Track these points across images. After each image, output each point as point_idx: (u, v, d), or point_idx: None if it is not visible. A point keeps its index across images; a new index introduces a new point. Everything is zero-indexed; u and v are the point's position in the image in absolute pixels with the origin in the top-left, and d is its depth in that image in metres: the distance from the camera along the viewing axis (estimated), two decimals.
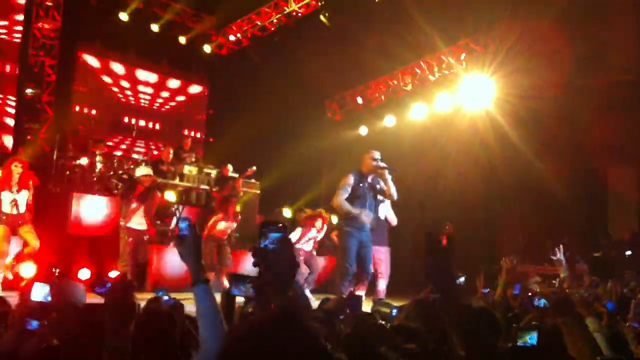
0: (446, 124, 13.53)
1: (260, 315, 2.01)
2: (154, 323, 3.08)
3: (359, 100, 15.41)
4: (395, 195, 7.36)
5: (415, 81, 14.32)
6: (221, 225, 9.56)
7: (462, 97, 13.25)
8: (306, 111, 15.12)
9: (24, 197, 8.27)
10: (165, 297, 4.54)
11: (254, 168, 12.06)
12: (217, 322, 2.21)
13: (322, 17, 13.62)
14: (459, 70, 13.38)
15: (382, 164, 7.27)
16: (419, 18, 11.92)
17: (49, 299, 4.50)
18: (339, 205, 7.18)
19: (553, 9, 10.81)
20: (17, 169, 8.14)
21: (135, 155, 12.29)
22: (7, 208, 8.11)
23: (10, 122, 12.80)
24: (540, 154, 12.15)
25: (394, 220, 9.18)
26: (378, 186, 7.41)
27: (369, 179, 7.36)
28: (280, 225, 2.18)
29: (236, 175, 12.13)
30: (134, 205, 8.75)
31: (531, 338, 2.73)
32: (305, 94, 14.74)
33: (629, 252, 10.98)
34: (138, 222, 8.81)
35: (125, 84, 15.00)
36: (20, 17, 12.77)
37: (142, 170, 8.97)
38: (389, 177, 7.28)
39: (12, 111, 12.76)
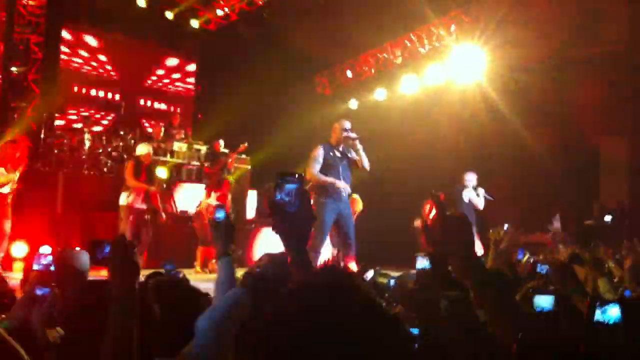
0: (437, 96, 13.50)
1: (305, 275, 1.97)
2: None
3: (349, 74, 15.31)
4: (367, 166, 7.29)
5: (405, 54, 14.22)
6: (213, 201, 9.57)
7: (453, 70, 13.20)
8: (296, 86, 14.99)
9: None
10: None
11: (246, 144, 12.01)
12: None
13: None
14: (449, 42, 13.30)
15: (353, 135, 7.16)
16: None
17: (52, 268, 4.49)
18: (313, 177, 7.06)
19: None
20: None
21: (122, 133, 12.12)
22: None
23: None
24: (531, 125, 12.16)
25: (479, 203, 9.53)
26: (350, 156, 7.30)
27: (340, 149, 7.25)
28: (297, 175, 2.10)
29: (227, 151, 12.07)
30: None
31: (546, 302, 2.72)
32: (294, 69, 14.62)
33: (608, 218, 11.06)
34: (139, 201, 8.75)
35: (104, 58, 14.77)
36: None
37: (142, 149, 8.88)
38: (360, 147, 7.20)
39: None
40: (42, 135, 11.55)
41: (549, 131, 12.44)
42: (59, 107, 12.81)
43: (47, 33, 12.98)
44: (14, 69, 12.58)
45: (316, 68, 15.78)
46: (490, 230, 5.16)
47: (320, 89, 16.07)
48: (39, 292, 2.78)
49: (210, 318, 2.02)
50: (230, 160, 11.78)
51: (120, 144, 11.52)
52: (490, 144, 12.70)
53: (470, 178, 10.02)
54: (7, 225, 8.25)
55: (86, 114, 12.83)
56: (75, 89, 14.17)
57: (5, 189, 8.19)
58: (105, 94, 14.63)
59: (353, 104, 15.27)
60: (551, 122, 12.57)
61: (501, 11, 11.75)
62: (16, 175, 8.28)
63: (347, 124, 7.25)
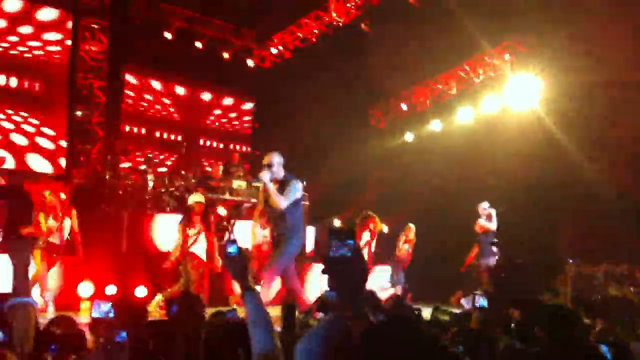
0: (492, 125, 13.38)
1: (369, 323, 2.03)
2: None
3: (404, 106, 15.35)
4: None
5: (460, 84, 14.20)
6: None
7: (508, 98, 13.10)
8: (350, 120, 15.11)
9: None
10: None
11: (304, 183, 12.10)
12: (265, 323, 2.48)
13: (362, 26, 13.65)
14: (505, 72, 13.22)
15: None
16: (461, 20, 11.83)
17: (111, 315, 4.59)
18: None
19: (603, 8, 10.60)
20: (51, 198, 8.20)
21: (183, 172, 12.39)
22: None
23: (47, 144, 13.05)
24: (590, 155, 11.92)
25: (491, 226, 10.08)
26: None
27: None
28: (349, 232, 2.17)
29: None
30: (192, 231, 8.74)
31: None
32: (348, 103, 14.75)
33: None
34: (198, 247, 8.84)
35: (167, 101, 15.19)
36: (52, 36, 12.95)
37: (194, 198, 9.00)
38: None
39: (51, 132, 12.95)
40: (106, 177, 11.91)
41: (608, 158, 12.15)
42: (122, 149, 13.21)
43: (109, 77, 13.50)
44: (78, 113, 13.10)
45: (370, 101, 15.87)
46: (567, 262, 5.06)
47: (375, 122, 16.15)
48: (119, 338, 2.84)
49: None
50: None
51: (182, 183, 11.76)
52: (548, 172, 12.47)
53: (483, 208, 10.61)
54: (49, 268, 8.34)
55: (150, 155, 13.15)
56: (137, 130, 14.56)
57: (55, 239, 8.24)
58: (168, 135, 15.02)
59: (408, 136, 15.27)
60: (611, 148, 12.28)
61: (558, 40, 11.62)
62: (69, 222, 8.36)
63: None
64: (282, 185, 6.72)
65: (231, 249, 2.69)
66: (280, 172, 6.78)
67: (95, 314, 4.52)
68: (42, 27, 12.82)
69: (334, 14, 14.25)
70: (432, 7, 12.56)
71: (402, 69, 13.96)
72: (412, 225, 11.48)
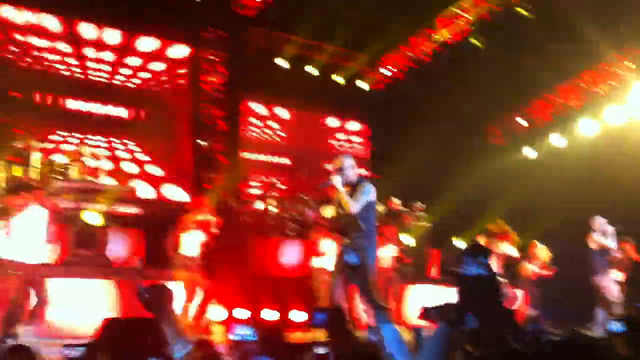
0: (619, 139, 12.83)
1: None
2: None
3: (523, 121, 14.99)
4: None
5: (580, 96, 13.73)
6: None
7: (634, 107, 12.56)
8: (467, 137, 14.91)
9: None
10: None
11: (423, 205, 12.08)
12: None
13: (474, 41, 13.50)
14: (628, 80, 12.69)
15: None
16: (578, 28, 11.48)
17: (251, 338, 4.71)
18: None
19: None
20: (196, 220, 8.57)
21: (304, 197, 12.61)
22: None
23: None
24: None
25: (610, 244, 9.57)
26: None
27: None
28: (485, 250, 2.14)
29: (403, 209, 12.15)
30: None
31: None
32: (465, 121, 14.57)
33: None
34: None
35: (282, 127, 15.53)
36: (157, 66, 13.59)
37: (328, 212, 9.06)
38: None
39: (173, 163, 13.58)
40: (230, 204, 12.29)
41: None
42: (244, 175, 13.62)
43: (230, 107, 14.01)
44: (201, 142, 13.65)
45: (487, 117, 15.61)
46: None
47: (493, 138, 15.85)
48: None
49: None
50: (406, 218, 11.83)
51: (303, 207, 11.97)
52: None
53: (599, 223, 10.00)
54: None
55: (270, 180, 13.50)
56: (257, 157, 14.94)
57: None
58: (286, 161, 15.34)
59: (528, 152, 14.89)
60: None
61: None
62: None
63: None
64: (354, 189, 6.24)
65: (350, 258, 2.65)
66: (352, 176, 6.28)
67: (235, 337, 4.65)
68: (166, 61, 13.55)
69: (444, 31, 14.17)
70: (546, 17, 12.27)
71: (518, 82, 13.68)
72: (538, 243, 11.13)
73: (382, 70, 15.69)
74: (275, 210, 12.06)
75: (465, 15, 13.65)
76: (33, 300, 6.66)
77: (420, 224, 12.40)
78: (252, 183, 14.28)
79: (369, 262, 6.05)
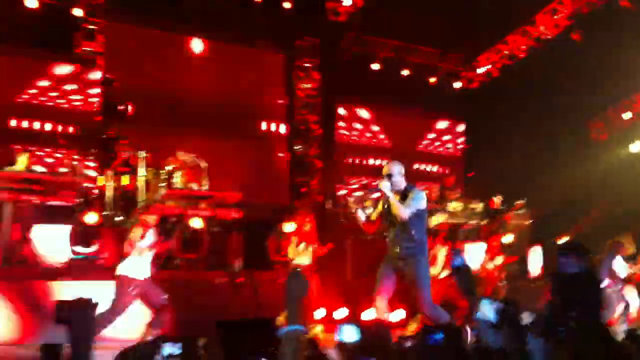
0: None
1: None
2: None
3: (627, 114, 14.39)
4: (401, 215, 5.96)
5: None
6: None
7: None
8: (566, 134, 14.46)
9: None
10: None
11: (523, 201, 11.84)
12: None
13: (573, 35, 13.13)
14: None
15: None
16: None
17: (356, 339, 4.77)
18: None
19: None
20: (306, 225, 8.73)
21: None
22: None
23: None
24: None
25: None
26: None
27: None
28: (581, 248, 2.08)
29: (504, 207, 11.95)
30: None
31: None
32: (564, 117, 14.13)
33: None
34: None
35: (377, 129, 15.55)
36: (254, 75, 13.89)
37: (438, 218, 9.02)
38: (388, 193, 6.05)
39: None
40: (327, 206, 12.44)
41: None
42: (339, 178, 13.76)
43: (323, 111, 14.21)
44: (297, 148, 13.92)
45: (587, 113, 15.08)
46: None
47: (596, 135, 15.28)
48: None
49: None
50: (507, 216, 11.66)
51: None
52: None
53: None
54: None
55: (366, 182, 13.58)
56: (351, 159, 15.02)
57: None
58: (380, 162, 15.33)
59: (636, 146, 14.28)
60: None
61: None
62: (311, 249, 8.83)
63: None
64: (404, 196, 6.06)
65: (457, 261, 2.69)
66: (401, 182, 6.12)
67: (342, 338, 4.72)
68: (262, 71, 13.95)
69: (542, 28, 13.84)
70: None
71: (619, 76, 13.17)
72: None
73: (477, 69, 15.50)
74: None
75: (563, 9, 13.30)
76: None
77: (521, 222, 12.17)
78: (349, 185, 14.38)
79: (421, 272, 5.96)
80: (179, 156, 10.14)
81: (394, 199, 5.93)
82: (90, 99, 11.96)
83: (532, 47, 14.25)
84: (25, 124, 11.44)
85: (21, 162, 8.70)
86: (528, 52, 14.36)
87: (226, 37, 13.34)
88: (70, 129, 11.77)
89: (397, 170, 6.12)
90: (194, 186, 9.86)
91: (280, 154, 13.98)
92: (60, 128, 11.68)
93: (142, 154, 9.74)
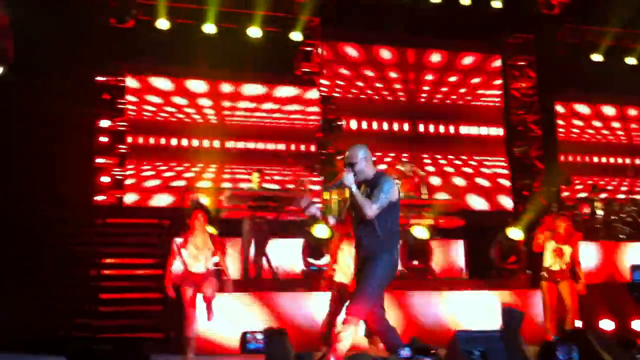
0: None
1: None
2: None
3: None
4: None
5: None
6: None
7: None
8: None
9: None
10: None
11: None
12: None
13: None
14: None
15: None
16: None
17: None
18: None
19: None
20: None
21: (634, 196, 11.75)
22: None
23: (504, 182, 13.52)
24: None
25: None
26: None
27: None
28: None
29: None
30: None
31: None
32: None
33: None
34: None
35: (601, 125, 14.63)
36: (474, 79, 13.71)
37: None
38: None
39: (503, 172, 13.51)
40: (552, 209, 11.92)
41: None
42: (564, 179, 13.12)
43: (542, 110, 13.68)
44: (516, 149, 13.54)
45: None
46: None
47: None
48: None
49: None
50: None
51: (633, 208, 11.19)
52: None
53: None
54: None
55: (594, 182, 12.82)
56: (573, 158, 14.23)
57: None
58: (615, 160, 14.38)
59: None
60: None
61: None
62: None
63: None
64: (372, 187, 4.88)
65: None
66: (368, 171, 4.91)
67: None
68: (482, 74, 13.86)
69: None
70: None
71: None
72: None
73: None
74: (602, 213, 11.41)
75: None
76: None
77: None
78: (575, 186, 13.65)
79: (376, 270, 4.72)
80: (397, 167, 10.31)
81: (357, 194, 4.80)
82: (309, 117, 12.59)
83: None
84: (251, 144, 12.31)
85: (254, 180, 9.37)
86: None
87: (434, 44, 13.47)
88: (293, 147, 12.47)
89: (362, 155, 4.90)
90: (413, 195, 9.96)
91: (500, 158, 13.62)
92: (283, 146, 12.42)
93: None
